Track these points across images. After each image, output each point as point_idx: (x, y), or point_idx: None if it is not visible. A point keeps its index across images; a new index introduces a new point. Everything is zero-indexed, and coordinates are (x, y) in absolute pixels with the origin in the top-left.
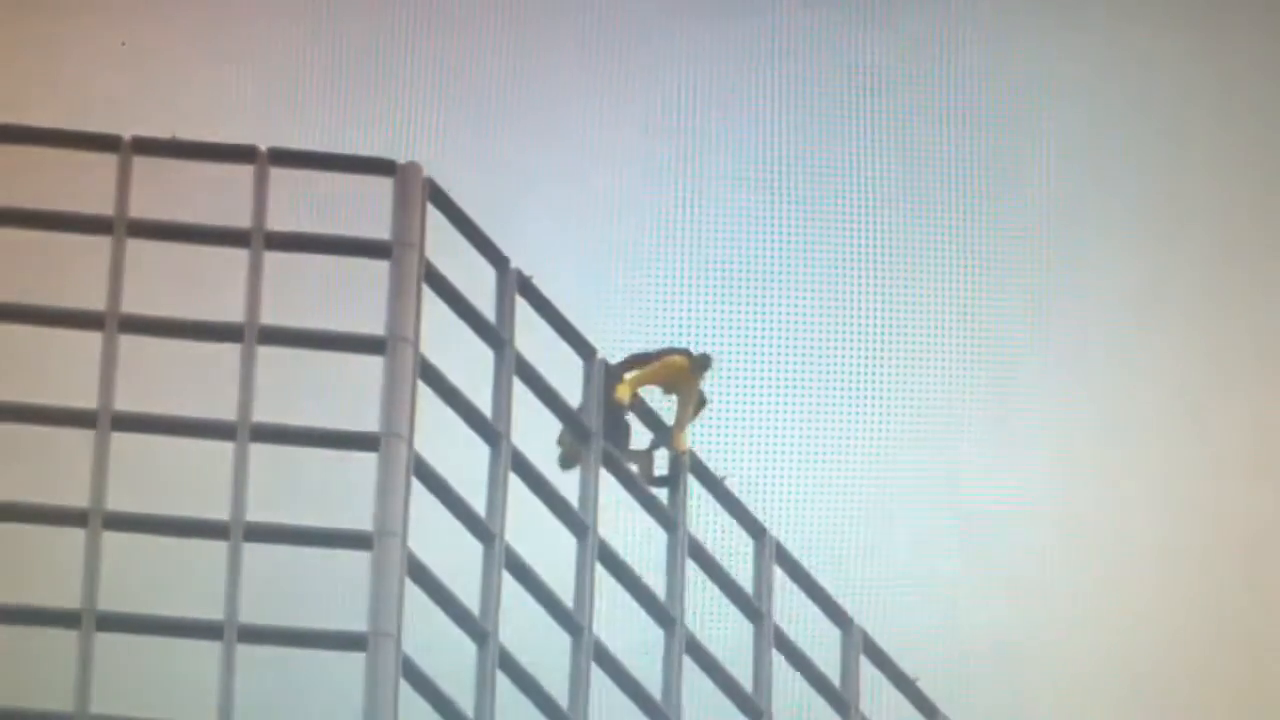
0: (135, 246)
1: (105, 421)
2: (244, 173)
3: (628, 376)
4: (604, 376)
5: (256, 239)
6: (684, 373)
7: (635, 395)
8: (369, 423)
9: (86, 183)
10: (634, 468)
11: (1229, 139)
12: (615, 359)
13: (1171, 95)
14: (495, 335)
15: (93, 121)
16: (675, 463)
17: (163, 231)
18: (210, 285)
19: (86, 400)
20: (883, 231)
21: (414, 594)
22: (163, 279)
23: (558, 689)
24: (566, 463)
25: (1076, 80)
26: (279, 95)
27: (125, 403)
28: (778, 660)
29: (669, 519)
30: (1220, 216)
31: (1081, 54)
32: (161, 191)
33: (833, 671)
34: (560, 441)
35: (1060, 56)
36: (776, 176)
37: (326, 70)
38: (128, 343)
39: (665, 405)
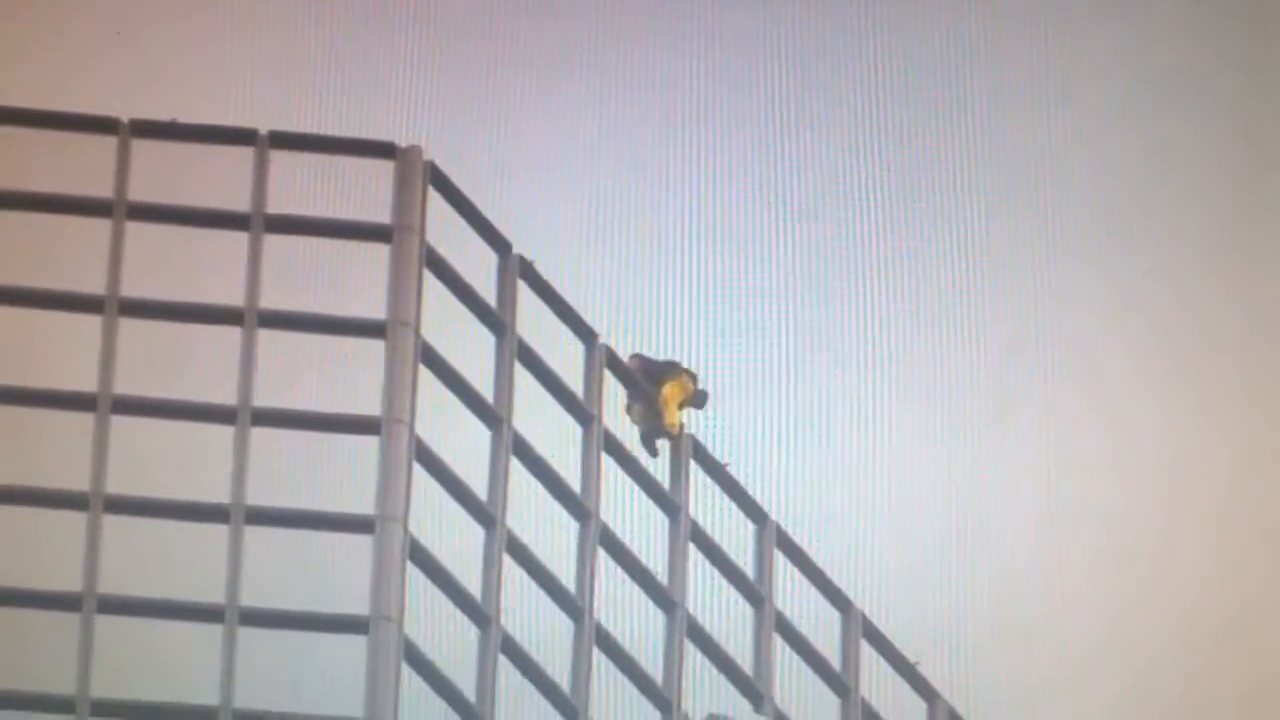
0: (135, 229)
1: (105, 405)
2: (244, 156)
3: (664, 396)
4: (633, 382)
5: (256, 222)
6: (690, 392)
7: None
8: (370, 407)
9: (86, 166)
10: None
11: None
12: (619, 348)
13: (1197, 87)
14: (497, 320)
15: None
16: (675, 447)
17: (162, 214)
18: (211, 269)
19: (86, 384)
20: (887, 223)
21: (416, 577)
22: (163, 262)
23: (559, 672)
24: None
25: (1098, 73)
26: (279, 78)
27: (125, 387)
28: (778, 644)
29: (671, 504)
30: (1237, 215)
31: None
32: (161, 175)
33: (833, 655)
34: (629, 412)
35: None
36: (781, 161)
37: (327, 53)
38: (128, 326)
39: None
